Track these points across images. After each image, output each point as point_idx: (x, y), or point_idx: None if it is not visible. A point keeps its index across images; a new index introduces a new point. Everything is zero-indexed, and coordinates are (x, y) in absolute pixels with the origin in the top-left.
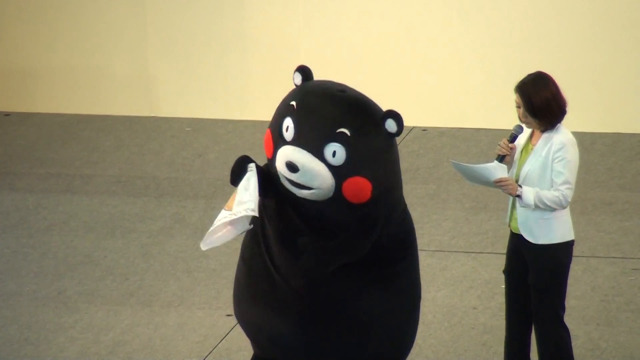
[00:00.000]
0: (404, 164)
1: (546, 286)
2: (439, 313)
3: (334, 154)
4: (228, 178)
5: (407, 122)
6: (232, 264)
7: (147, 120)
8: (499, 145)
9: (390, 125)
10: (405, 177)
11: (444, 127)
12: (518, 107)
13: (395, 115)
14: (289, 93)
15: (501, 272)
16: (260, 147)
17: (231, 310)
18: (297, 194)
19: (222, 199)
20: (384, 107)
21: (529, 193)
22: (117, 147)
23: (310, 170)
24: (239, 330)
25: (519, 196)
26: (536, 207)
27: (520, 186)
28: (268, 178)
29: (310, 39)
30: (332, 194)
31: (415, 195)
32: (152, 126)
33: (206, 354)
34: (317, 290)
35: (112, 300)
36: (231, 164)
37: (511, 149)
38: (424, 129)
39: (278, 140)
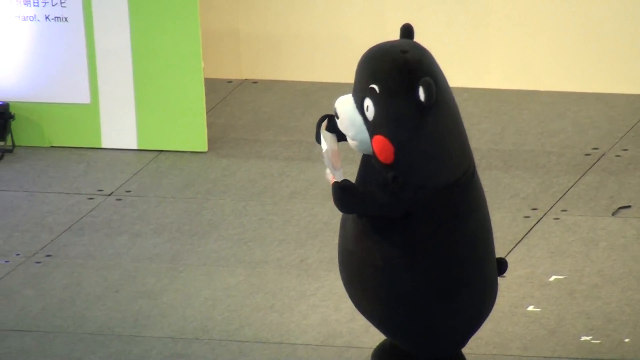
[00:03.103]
0: None
1: None
2: None
3: (367, 108)
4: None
5: None
6: None
7: None
8: None
9: (420, 93)
10: None
11: None
12: None
13: (425, 83)
14: None
15: None
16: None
17: None
18: (350, 144)
19: (482, 169)
20: None
21: None
22: None
23: (346, 119)
24: None
25: None
26: None
27: None
28: None
29: None
30: (371, 149)
31: None
32: None
33: None
34: (358, 256)
35: None
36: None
37: None
38: None
39: None
